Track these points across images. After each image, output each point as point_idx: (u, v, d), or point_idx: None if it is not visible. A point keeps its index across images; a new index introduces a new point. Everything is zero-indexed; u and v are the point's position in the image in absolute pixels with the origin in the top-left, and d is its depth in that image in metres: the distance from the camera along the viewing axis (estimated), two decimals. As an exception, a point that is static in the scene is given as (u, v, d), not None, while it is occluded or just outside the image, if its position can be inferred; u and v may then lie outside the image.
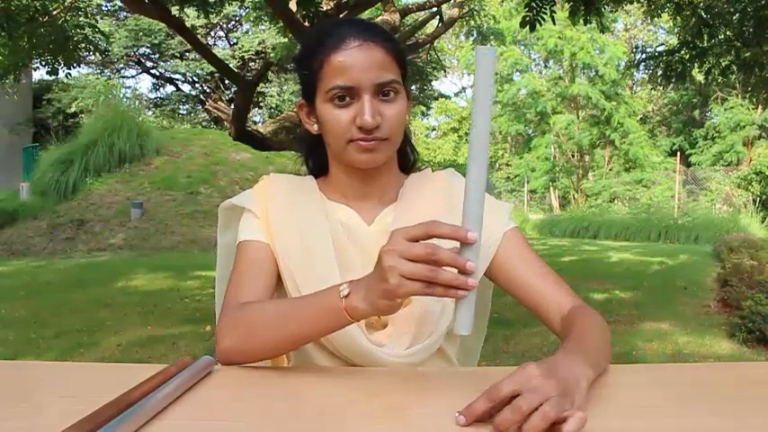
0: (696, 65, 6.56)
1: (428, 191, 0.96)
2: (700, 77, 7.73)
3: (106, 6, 15.40)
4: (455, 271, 0.65)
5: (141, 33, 18.03)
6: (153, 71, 20.69)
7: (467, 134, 25.28)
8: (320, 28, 0.90)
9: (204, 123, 21.11)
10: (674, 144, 19.41)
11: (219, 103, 18.18)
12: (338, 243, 0.90)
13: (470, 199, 0.67)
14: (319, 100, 0.88)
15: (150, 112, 20.24)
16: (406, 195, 0.95)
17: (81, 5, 7.28)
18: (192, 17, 13.20)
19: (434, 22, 9.73)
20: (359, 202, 0.95)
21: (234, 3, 9.95)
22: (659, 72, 6.75)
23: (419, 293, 0.65)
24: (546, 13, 4.78)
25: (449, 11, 9.43)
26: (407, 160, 1.03)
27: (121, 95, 13.37)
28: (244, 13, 16.28)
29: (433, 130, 28.67)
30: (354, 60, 0.83)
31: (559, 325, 0.86)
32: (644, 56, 8.12)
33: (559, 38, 17.17)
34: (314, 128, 0.92)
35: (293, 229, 0.91)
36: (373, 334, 0.87)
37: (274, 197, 0.95)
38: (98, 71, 19.43)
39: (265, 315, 0.80)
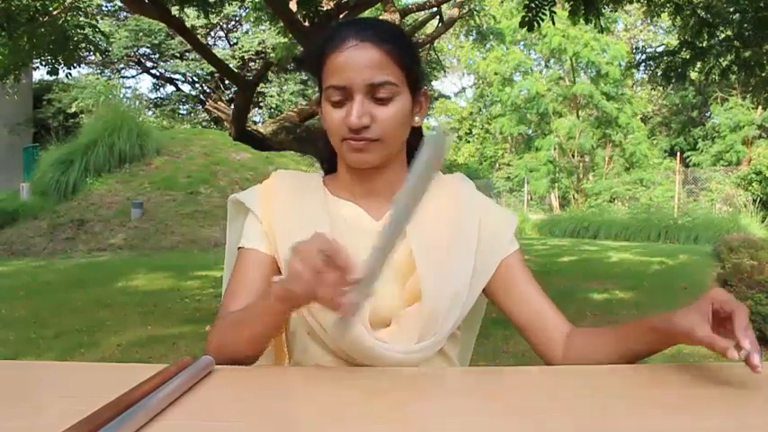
0: (696, 65, 6.56)
1: (437, 193, 0.95)
2: (699, 77, 7.72)
3: (106, 6, 15.40)
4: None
5: (141, 33, 18.05)
6: (153, 71, 20.72)
7: (467, 134, 25.20)
8: (327, 29, 0.91)
9: (204, 123, 21.11)
10: (673, 144, 19.38)
11: (219, 103, 18.17)
12: (339, 240, 0.89)
13: (372, 259, 0.69)
14: (322, 99, 0.90)
15: (150, 112, 20.26)
16: None
17: (81, 5, 7.27)
18: (192, 17, 13.19)
19: (434, 22, 9.70)
20: (366, 199, 0.95)
21: (234, 3, 9.93)
22: (659, 72, 6.74)
23: (308, 294, 0.69)
24: (545, 14, 4.77)
25: (449, 11, 9.41)
26: None
27: (121, 95, 13.41)
28: (244, 14, 16.27)
29: (433, 130, 28.67)
30: (349, 61, 0.84)
31: (562, 345, 0.90)
32: (644, 56, 8.10)
33: (563, 36, 17.14)
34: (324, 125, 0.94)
35: (296, 229, 0.91)
36: (377, 331, 0.87)
37: (277, 195, 0.96)
38: (98, 71, 19.44)
39: (232, 321, 0.85)
